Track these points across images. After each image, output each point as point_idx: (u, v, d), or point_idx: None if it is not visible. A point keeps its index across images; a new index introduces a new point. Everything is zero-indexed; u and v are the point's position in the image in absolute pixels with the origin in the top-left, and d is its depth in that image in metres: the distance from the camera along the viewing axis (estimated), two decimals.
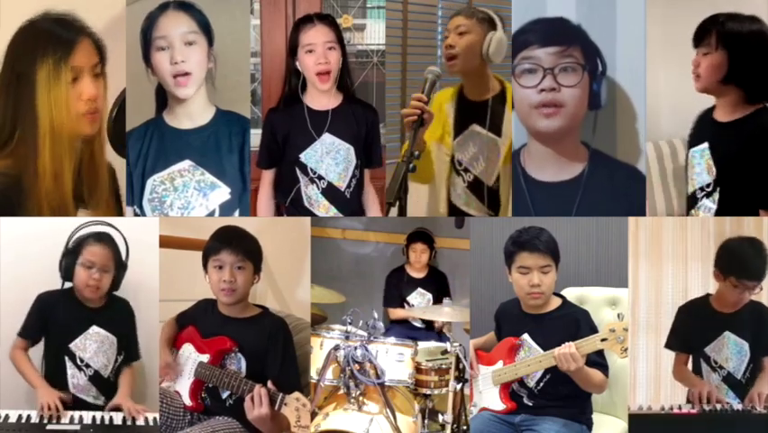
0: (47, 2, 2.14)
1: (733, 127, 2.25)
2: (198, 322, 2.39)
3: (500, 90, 2.58)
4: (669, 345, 2.56)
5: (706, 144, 2.30)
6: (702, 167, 2.30)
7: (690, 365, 2.54)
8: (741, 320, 2.46)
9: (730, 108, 2.26)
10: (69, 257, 2.42)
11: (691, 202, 2.37)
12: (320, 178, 2.57)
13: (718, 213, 2.26)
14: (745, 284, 2.39)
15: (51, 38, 2.06)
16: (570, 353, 2.17)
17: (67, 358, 2.42)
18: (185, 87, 2.34)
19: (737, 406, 2.38)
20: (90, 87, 2.10)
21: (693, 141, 2.39)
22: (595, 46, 2.16)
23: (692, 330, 2.52)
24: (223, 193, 2.40)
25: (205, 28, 2.35)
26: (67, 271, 2.43)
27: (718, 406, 2.35)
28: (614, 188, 2.20)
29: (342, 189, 2.59)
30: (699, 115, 2.41)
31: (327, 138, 2.57)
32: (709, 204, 2.28)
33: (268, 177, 2.66)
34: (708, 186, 2.29)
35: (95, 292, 2.43)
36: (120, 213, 2.38)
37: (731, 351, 2.47)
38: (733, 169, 2.23)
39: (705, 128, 2.34)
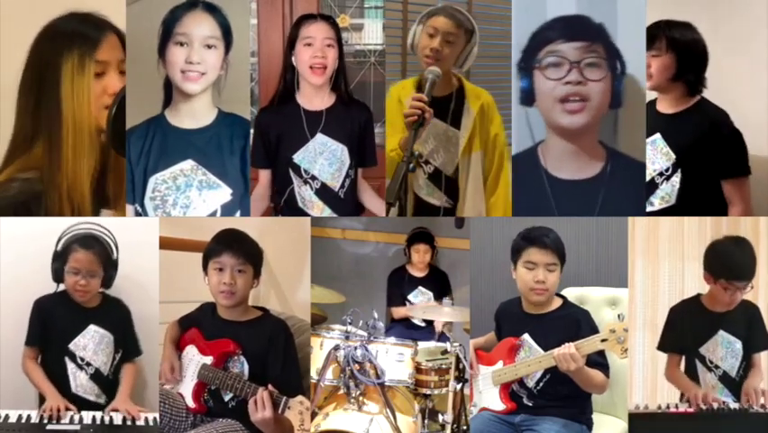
0: (65, 3, 2.17)
1: (684, 117, 2.57)
2: (201, 325, 2.39)
3: (459, 86, 2.62)
4: (661, 347, 2.57)
5: (658, 135, 2.56)
6: (657, 155, 2.56)
7: (683, 366, 2.54)
8: (734, 319, 2.48)
9: (675, 102, 2.58)
10: (58, 261, 2.43)
11: (650, 188, 2.54)
12: (313, 178, 2.56)
13: (682, 190, 2.53)
14: (735, 285, 2.42)
15: (77, 34, 2.09)
16: (570, 353, 2.17)
17: (67, 358, 2.42)
18: (193, 83, 2.33)
19: (735, 405, 2.38)
20: (116, 81, 2.14)
21: None
22: (615, 46, 2.18)
23: (685, 331, 2.53)
24: (224, 194, 2.40)
25: (226, 34, 2.35)
26: (57, 274, 2.44)
27: (715, 405, 2.36)
28: (635, 187, 2.25)
29: (336, 190, 2.59)
30: None
31: (320, 138, 2.57)
32: (668, 187, 2.55)
33: (265, 176, 2.65)
34: (666, 170, 2.54)
35: (84, 296, 2.44)
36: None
37: (726, 350, 2.48)
38: (691, 151, 2.52)
39: (651, 121, 2.47)
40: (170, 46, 2.32)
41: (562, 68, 2.12)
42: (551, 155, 2.26)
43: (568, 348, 2.18)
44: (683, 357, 2.54)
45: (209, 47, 2.32)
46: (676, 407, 2.36)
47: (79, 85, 2.06)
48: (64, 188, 2.05)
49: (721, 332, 2.48)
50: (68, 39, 2.09)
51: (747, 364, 2.47)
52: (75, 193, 2.07)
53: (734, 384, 2.47)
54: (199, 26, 2.32)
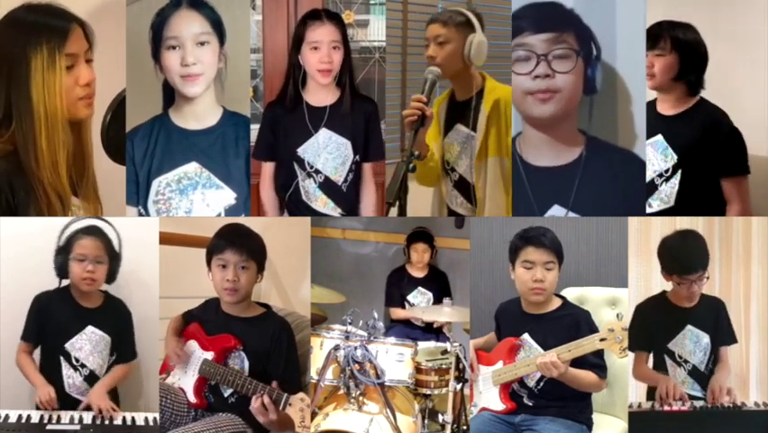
0: None
1: (684, 118, 2.57)
2: (203, 320, 2.39)
3: (481, 88, 2.60)
4: (628, 346, 2.54)
5: (659, 136, 2.57)
6: (659, 156, 2.57)
7: (650, 363, 2.55)
8: (700, 314, 2.50)
9: (675, 102, 2.59)
10: (62, 254, 2.43)
11: (648, 189, 2.53)
12: (317, 172, 2.57)
13: (681, 191, 2.53)
14: (688, 279, 2.44)
15: (43, 27, 2.05)
16: (550, 361, 2.18)
17: (62, 358, 2.42)
18: (193, 85, 2.32)
19: (728, 402, 2.40)
20: (86, 72, 2.10)
21: None
22: (589, 30, 2.15)
23: (653, 327, 2.53)
24: (228, 197, 2.40)
25: (218, 27, 2.33)
26: (61, 268, 2.44)
27: (708, 404, 2.38)
28: (612, 174, 2.21)
29: (339, 183, 2.59)
30: None
31: (325, 133, 2.57)
32: (668, 188, 2.55)
33: (268, 170, 2.66)
34: (666, 171, 2.55)
35: (91, 285, 2.43)
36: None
37: (694, 344, 2.50)
38: (691, 152, 2.52)
39: (652, 122, 2.44)
40: (163, 51, 2.30)
41: (530, 61, 2.09)
42: (527, 144, 2.25)
43: (549, 357, 2.19)
44: (651, 354, 2.55)
45: (202, 44, 2.30)
46: (670, 406, 2.37)
47: (50, 79, 2.02)
48: (45, 181, 2.04)
49: (689, 327, 2.50)
50: (35, 32, 2.04)
51: (715, 358, 2.49)
52: (55, 184, 2.05)
53: (703, 378, 2.48)
54: (188, 25, 2.29)
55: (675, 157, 2.54)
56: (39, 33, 2.03)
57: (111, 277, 2.48)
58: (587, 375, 2.25)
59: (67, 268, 2.43)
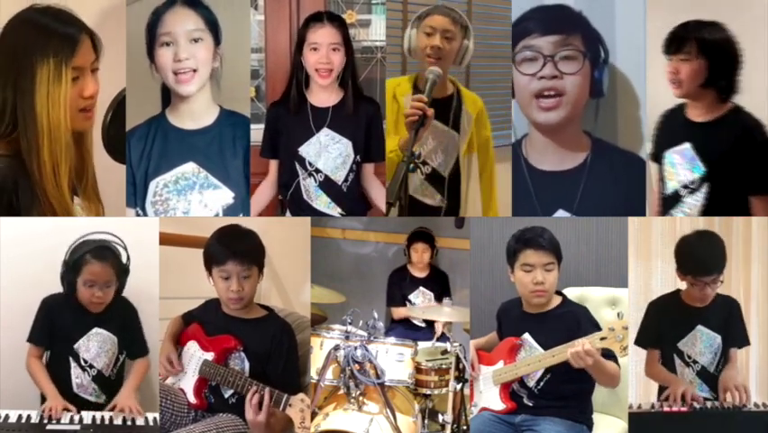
0: None
1: (716, 126, 2.36)
2: (203, 321, 2.39)
3: (455, 90, 2.64)
4: (639, 342, 2.54)
5: (687, 144, 2.38)
6: (686, 166, 2.39)
7: (659, 361, 2.54)
8: (713, 314, 2.49)
9: (706, 109, 2.37)
10: (70, 274, 2.41)
11: (672, 200, 2.42)
12: (317, 171, 2.58)
13: (708, 205, 2.35)
14: (702, 281, 2.43)
15: (53, 34, 2.01)
16: (585, 350, 2.12)
17: (71, 359, 2.42)
18: (187, 85, 2.33)
19: (728, 403, 2.39)
20: (91, 84, 2.08)
21: (666, 141, 2.43)
22: (597, 33, 2.15)
23: (664, 326, 2.53)
24: (226, 197, 2.40)
25: (213, 26, 2.34)
26: (69, 286, 2.43)
27: (708, 404, 2.38)
28: (616, 177, 2.21)
29: (339, 183, 2.60)
30: (663, 116, 2.46)
31: (326, 132, 2.59)
32: (693, 201, 2.38)
33: (273, 168, 2.67)
34: (692, 183, 2.38)
35: (99, 307, 2.44)
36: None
37: (704, 345, 2.49)
38: (722, 163, 2.33)
39: (680, 129, 2.40)
40: (157, 49, 2.31)
41: (537, 62, 2.09)
42: (533, 148, 2.25)
43: (582, 345, 2.14)
44: (660, 352, 2.54)
45: (195, 40, 2.30)
46: (670, 407, 2.37)
47: (55, 93, 1.99)
48: (47, 189, 2.02)
49: (700, 327, 2.49)
50: (43, 39, 2.00)
51: (725, 360, 2.48)
52: (59, 196, 2.03)
53: (712, 379, 2.47)
54: (182, 22, 2.30)
55: (703, 168, 2.36)
56: (47, 42, 2.00)
57: (120, 290, 2.48)
58: (611, 365, 2.20)
59: (75, 286, 2.41)
